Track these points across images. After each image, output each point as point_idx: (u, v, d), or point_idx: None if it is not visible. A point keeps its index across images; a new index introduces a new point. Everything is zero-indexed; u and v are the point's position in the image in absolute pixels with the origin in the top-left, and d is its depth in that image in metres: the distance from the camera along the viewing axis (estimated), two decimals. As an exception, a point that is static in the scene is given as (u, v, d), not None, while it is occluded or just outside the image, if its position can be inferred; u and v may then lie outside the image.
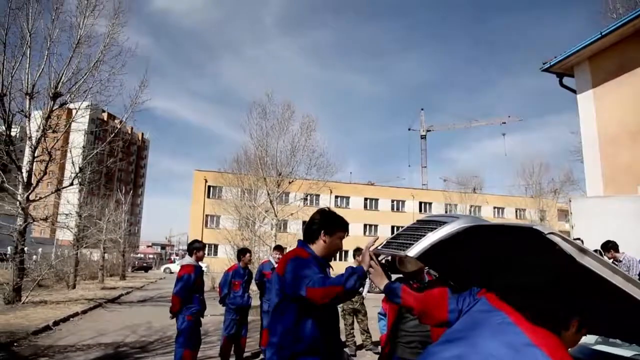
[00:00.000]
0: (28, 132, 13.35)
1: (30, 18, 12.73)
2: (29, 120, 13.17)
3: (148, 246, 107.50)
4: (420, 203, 58.30)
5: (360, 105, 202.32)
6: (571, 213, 9.72)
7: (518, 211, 56.64)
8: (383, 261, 2.54)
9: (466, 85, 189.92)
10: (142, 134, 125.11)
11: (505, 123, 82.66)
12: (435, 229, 1.89)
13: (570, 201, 10.43)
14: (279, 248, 8.57)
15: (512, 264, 1.61)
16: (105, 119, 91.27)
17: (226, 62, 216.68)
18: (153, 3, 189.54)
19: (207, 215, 48.30)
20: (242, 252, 7.93)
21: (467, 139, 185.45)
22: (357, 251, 8.61)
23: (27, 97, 13.14)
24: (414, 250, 1.89)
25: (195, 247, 6.47)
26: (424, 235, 1.90)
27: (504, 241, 1.64)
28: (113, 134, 14.59)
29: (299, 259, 2.57)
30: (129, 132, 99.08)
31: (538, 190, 44.90)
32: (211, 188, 48.65)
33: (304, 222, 40.45)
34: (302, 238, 2.82)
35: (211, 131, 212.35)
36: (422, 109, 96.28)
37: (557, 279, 1.42)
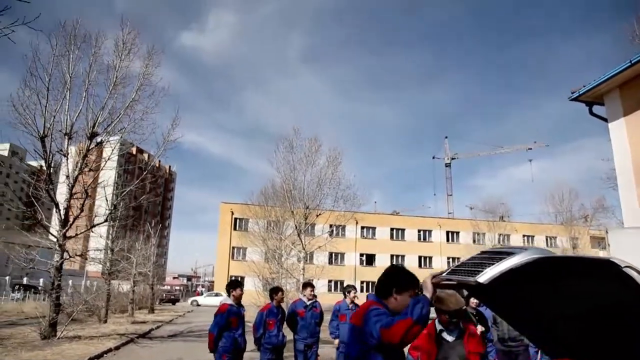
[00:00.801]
0: (66, 170, 13.85)
1: (71, 63, 13.43)
2: (67, 160, 13.69)
3: (174, 277, 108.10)
4: (448, 232, 57.49)
5: (384, 134, 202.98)
6: (609, 245, 9.47)
7: (548, 239, 55.30)
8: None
9: (490, 112, 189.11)
10: (169, 167, 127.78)
11: (531, 149, 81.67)
12: (505, 258, 1.88)
13: (607, 232, 10.18)
14: (309, 285, 8.44)
15: (579, 298, 1.62)
16: (134, 152, 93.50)
17: (251, 95, 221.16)
18: (181, 40, 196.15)
19: (233, 248, 48.57)
20: (274, 291, 7.89)
21: (492, 166, 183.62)
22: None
23: (66, 137, 13.69)
24: (484, 277, 1.87)
25: (231, 287, 6.63)
26: (494, 264, 1.89)
27: (573, 274, 1.64)
28: (146, 171, 15.02)
29: (376, 309, 2.65)
30: (157, 165, 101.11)
31: (568, 217, 43.89)
32: (238, 220, 49.05)
33: (330, 254, 40.39)
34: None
35: (237, 163, 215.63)
36: (446, 137, 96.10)
37: (625, 315, 1.41)
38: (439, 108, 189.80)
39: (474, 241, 52.02)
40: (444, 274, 2.39)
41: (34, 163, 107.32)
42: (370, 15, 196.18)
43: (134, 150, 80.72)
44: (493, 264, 1.88)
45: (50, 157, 12.85)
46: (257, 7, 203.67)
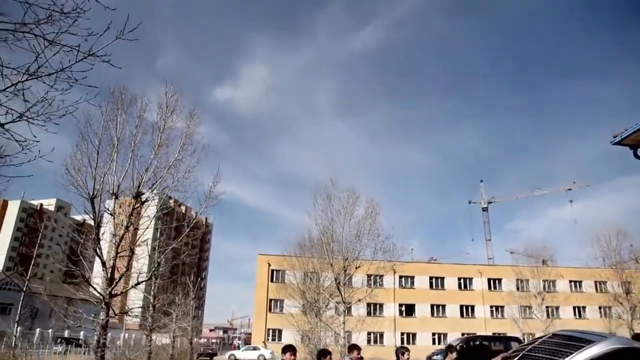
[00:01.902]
0: (112, 229, 14.30)
1: (119, 127, 14.14)
2: (114, 219, 14.16)
3: (211, 330, 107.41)
4: (489, 279, 55.55)
5: (417, 179, 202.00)
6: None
7: (598, 284, 52.69)
8: None
9: (525, 153, 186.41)
10: (206, 218, 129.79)
11: (570, 189, 79.70)
12: (583, 347, 1.79)
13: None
14: (355, 348, 8.21)
15: None
16: (172, 205, 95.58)
17: (284, 145, 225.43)
18: (215, 94, 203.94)
19: (270, 300, 48.18)
20: (322, 354, 7.72)
21: (531, 209, 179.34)
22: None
23: (113, 197, 14.22)
24: None
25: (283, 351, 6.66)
26: (573, 354, 1.79)
27: None
28: (188, 229, 15.34)
29: None
30: (194, 217, 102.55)
31: (618, 260, 41.93)
32: (275, 272, 48.88)
33: (368, 305, 39.47)
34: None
35: (271, 213, 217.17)
36: (481, 181, 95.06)
37: None
38: (472, 151, 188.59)
39: (518, 288, 50.10)
40: (515, 359, 2.34)
41: (77, 217, 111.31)
42: (400, 61, 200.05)
43: (172, 202, 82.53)
44: (571, 354, 1.82)
45: (99, 217, 13.35)
46: (288, 60, 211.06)
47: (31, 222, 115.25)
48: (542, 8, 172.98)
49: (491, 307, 53.21)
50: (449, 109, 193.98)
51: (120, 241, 14.01)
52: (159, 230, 18.56)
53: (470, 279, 55.41)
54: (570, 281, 54.95)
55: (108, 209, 14.34)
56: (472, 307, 53.56)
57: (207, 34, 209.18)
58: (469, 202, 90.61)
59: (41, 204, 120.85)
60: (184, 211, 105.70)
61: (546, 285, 47.32)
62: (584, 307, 54.16)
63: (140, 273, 16.55)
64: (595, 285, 53.07)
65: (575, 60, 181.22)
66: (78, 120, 12.76)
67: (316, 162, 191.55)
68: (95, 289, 13.73)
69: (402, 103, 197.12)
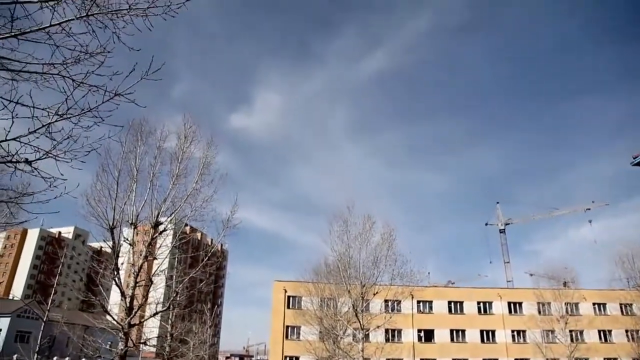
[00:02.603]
0: (131, 259, 14.42)
1: (138, 157, 14.43)
2: (132, 248, 14.29)
3: (227, 357, 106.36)
4: (509, 303, 54.20)
5: (431, 201, 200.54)
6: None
7: (623, 307, 51.16)
8: None
9: (540, 173, 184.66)
10: (222, 245, 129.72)
11: (589, 209, 78.42)
12: None
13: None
14: None
15: None
16: (188, 231, 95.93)
17: (298, 170, 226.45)
18: (230, 121, 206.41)
19: (287, 326, 47.61)
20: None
21: (549, 229, 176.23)
22: None
23: (132, 227, 14.39)
24: None
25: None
26: None
27: None
28: (207, 258, 15.40)
29: None
30: (209, 243, 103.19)
31: (643, 281, 40.87)
32: (291, 298, 48.41)
33: (386, 331, 38.76)
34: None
35: (286, 237, 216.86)
36: (497, 203, 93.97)
37: None
38: (487, 172, 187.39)
39: (539, 312, 48.87)
40: None
41: (95, 244, 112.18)
42: (411, 83, 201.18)
43: (187, 229, 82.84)
44: None
45: (119, 247, 13.50)
46: (301, 87, 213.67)
47: (49, 250, 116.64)
48: (558, 23, 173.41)
49: (512, 331, 51.83)
50: (463, 130, 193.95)
51: (139, 271, 14.11)
52: (176, 259, 18.63)
53: (490, 303, 54.20)
54: (594, 304, 53.43)
55: (127, 239, 14.48)
56: (493, 331, 52.25)
57: (222, 62, 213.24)
58: (486, 224, 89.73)
59: (59, 232, 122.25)
60: (199, 237, 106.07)
61: (569, 308, 46.15)
62: (609, 331, 52.52)
63: (158, 303, 16.59)
64: (621, 307, 51.56)
65: (593, 77, 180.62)
66: (99, 153, 13.07)
67: (330, 186, 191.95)
68: (114, 318, 13.78)
69: (415, 125, 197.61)
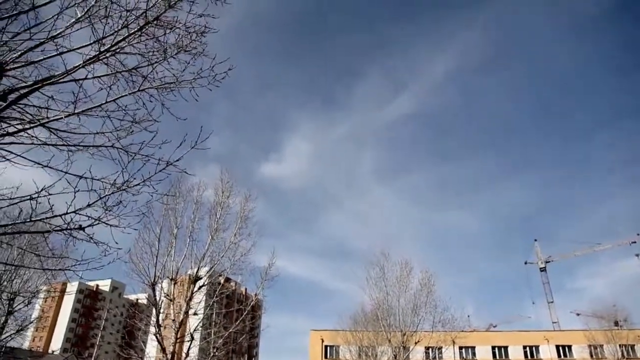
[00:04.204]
0: (172, 314, 14.51)
1: (177, 214, 14.80)
2: (172, 304, 14.41)
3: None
4: (558, 347, 51.38)
5: (466, 242, 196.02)
6: None
7: (687, 347, 47.75)
8: None
9: (579, 207, 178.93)
10: (255, 294, 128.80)
11: (635, 242, 75.18)
12: None
13: None
14: None
15: None
16: (222, 281, 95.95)
17: (331, 216, 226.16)
18: (261, 170, 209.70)
19: (325, 378, 46.35)
20: None
21: (593, 265, 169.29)
22: None
23: (172, 282, 14.57)
24: None
25: None
26: None
27: None
28: (246, 312, 15.39)
29: None
30: (243, 293, 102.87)
31: None
32: (328, 347, 47.32)
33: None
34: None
35: (321, 285, 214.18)
36: (535, 240, 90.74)
37: None
38: (521, 209, 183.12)
39: (592, 355, 46.10)
40: None
41: (131, 297, 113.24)
42: (436, 124, 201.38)
43: (221, 279, 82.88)
44: None
45: (160, 303, 13.64)
46: (328, 133, 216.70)
47: (88, 303, 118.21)
48: (582, 51, 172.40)
49: (563, 378, 49.01)
50: (493, 167, 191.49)
51: (180, 326, 14.16)
52: (214, 313, 18.63)
53: (537, 347, 51.57)
54: (653, 345, 50.15)
55: (168, 295, 14.63)
56: None
57: (251, 112, 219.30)
58: (525, 263, 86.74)
59: (97, 285, 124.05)
60: (233, 287, 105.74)
61: (625, 351, 43.41)
62: (670, 376, 48.98)
63: (195, 357, 16.49)
64: (684, 349, 48.24)
65: (634, 101, 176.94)
66: (146, 216, 13.47)
67: (363, 230, 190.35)
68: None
69: (443, 165, 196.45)
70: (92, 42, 5.58)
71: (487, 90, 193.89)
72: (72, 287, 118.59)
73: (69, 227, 5.49)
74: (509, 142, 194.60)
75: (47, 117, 4.98)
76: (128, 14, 5.61)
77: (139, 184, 5.04)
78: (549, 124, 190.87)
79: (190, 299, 14.40)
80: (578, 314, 57.28)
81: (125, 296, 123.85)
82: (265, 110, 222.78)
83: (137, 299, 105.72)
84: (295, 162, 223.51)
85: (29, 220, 4.66)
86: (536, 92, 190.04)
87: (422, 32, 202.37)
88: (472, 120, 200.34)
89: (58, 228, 5.51)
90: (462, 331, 36.03)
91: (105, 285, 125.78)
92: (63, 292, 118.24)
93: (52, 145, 5.03)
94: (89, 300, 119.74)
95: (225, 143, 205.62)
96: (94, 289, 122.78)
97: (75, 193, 4.61)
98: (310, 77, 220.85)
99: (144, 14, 5.65)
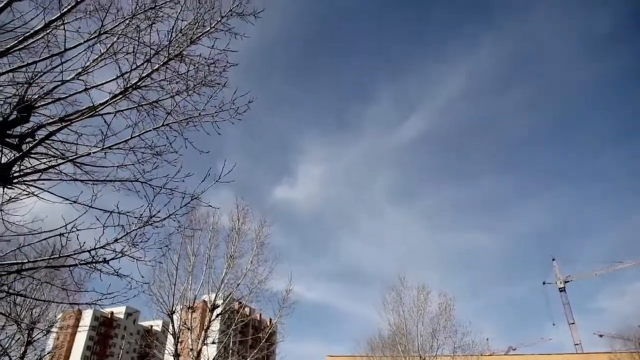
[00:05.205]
0: (190, 343, 14.44)
1: (194, 243, 14.86)
2: (191, 333, 14.35)
3: None
4: (581, 372, 50.14)
5: (482, 262, 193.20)
6: None
7: None
8: None
9: (597, 225, 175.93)
10: (270, 319, 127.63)
11: (657, 259, 73.43)
12: None
13: None
14: None
15: None
16: (237, 307, 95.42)
17: (344, 239, 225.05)
18: (274, 195, 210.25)
19: (343, 405, 45.45)
20: None
21: (615, 284, 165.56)
22: None
23: (190, 310, 14.54)
24: None
25: None
26: None
27: None
28: (264, 339, 15.26)
29: None
30: (258, 319, 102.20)
31: None
32: (345, 374, 46.60)
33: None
34: None
35: (337, 309, 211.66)
36: (553, 259, 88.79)
37: None
38: (538, 228, 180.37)
39: (617, 379, 44.60)
40: None
41: (145, 323, 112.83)
42: (449, 144, 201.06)
43: (236, 305, 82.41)
44: None
45: (179, 335, 13.59)
46: (341, 155, 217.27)
47: (103, 330, 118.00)
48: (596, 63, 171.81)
49: (589, 404, 47.55)
50: (508, 187, 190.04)
51: (198, 356, 14.07)
52: (230, 340, 18.49)
53: (560, 372, 50.34)
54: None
55: (185, 323, 14.59)
56: None
57: (264, 137, 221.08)
58: (544, 283, 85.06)
59: (112, 312, 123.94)
60: (248, 312, 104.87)
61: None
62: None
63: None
64: None
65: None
66: (168, 248, 13.56)
67: (378, 253, 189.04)
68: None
69: (457, 186, 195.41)
70: (116, 77, 5.74)
71: (500, 109, 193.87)
72: (87, 314, 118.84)
73: (94, 261, 5.56)
74: (523, 161, 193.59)
75: (76, 153, 5.09)
76: (151, 50, 5.78)
77: (164, 219, 5.10)
78: (564, 141, 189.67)
79: (208, 328, 14.35)
80: (601, 335, 55.76)
81: (140, 323, 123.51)
82: (276, 134, 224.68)
83: (152, 326, 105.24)
84: (308, 185, 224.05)
85: (59, 256, 4.72)
86: (551, 109, 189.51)
87: (431, 53, 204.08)
88: (485, 139, 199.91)
89: (84, 262, 5.58)
90: (482, 355, 35.29)
91: (119, 312, 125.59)
92: (78, 320, 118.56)
93: (80, 180, 5.14)
94: (104, 327, 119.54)
95: (238, 167, 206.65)
96: (109, 316, 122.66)
97: (104, 229, 4.67)
98: (321, 99, 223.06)
99: (167, 49, 5.81)
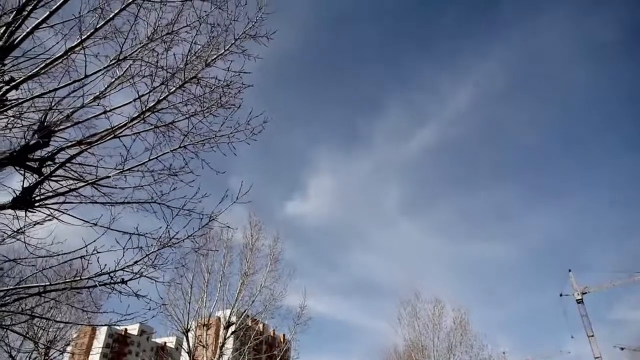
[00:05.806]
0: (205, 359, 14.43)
1: (208, 260, 14.90)
2: (206, 351, 14.35)
3: None
4: (602, 387, 48.93)
5: (496, 273, 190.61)
6: None
7: None
8: None
9: (614, 234, 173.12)
10: (284, 335, 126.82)
11: (678, 269, 71.95)
12: None
13: None
14: None
15: None
16: (250, 323, 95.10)
17: (357, 252, 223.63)
18: (286, 209, 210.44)
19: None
20: None
21: (634, 294, 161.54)
22: None
23: (205, 328, 14.55)
24: None
25: None
26: None
27: None
28: (279, 357, 15.19)
29: None
30: (271, 335, 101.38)
31: None
32: (360, 391, 46.02)
33: None
34: None
35: (351, 323, 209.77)
36: (569, 270, 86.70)
37: None
38: (552, 239, 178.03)
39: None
40: None
41: (158, 340, 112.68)
42: (460, 155, 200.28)
43: (249, 321, 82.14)
44: None
45: (194, 351, 13.60)
46: (352, 168, 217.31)
47: (116, 348, 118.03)
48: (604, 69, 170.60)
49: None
50: (520, 196, 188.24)
51: (213, 374, 14.03)
52: (244, 357, 18.42)
53: (580, 387, 49.16)
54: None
55: (200, 341, 14.59)
56: None
57: (274, 152, 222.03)
58: (560, 295, 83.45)
59: (125, 329, 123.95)
60: (261, 329, 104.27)
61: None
62: None
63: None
64: None
65: None
66: (184, 266, 13.65)
67: (391, 266, 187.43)
68: None
69: (469, 196, 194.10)
70: (133, 100, 5.86)
71: (509, 117, 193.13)
72: (102, 331, 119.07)
73: (113, 282, 5.63)
74: (535, 170, 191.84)
75: (97, 175, 5.19)
76: (167, 73, 5.90)
77: (183, 240, 5.16)
78: (576, 149, 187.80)
79: (223, 345, 14.32)
80: (622, 349, 54.39)
81: (153, 339, 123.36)
82: (286, 147, 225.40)
83: (165, 342, 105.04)
84: (320, 199, 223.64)
85: (80, 278, 4.79)
86: (561, 118, 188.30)
87: (441, 64, 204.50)
88: (496, 149, 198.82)
89: (103, 283, 5.65)
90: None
91: (133, 329, 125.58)
92: (93, 338, 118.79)
93: (100, 203, 5.23)
94: (118, 345, 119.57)
95: (248, 182, 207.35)
96: (123, 333, 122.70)
97: (124, 251, 4.74)
98: (331, 113, 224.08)
99: (182, 72, 5.92)
